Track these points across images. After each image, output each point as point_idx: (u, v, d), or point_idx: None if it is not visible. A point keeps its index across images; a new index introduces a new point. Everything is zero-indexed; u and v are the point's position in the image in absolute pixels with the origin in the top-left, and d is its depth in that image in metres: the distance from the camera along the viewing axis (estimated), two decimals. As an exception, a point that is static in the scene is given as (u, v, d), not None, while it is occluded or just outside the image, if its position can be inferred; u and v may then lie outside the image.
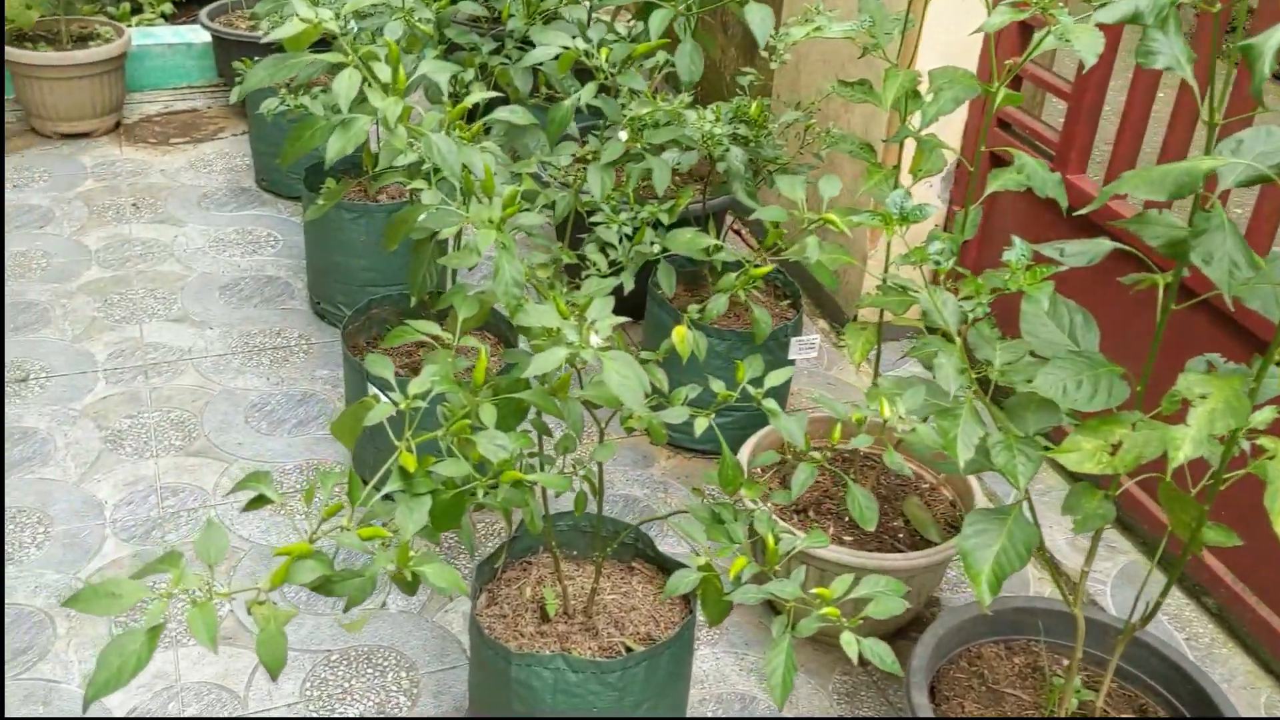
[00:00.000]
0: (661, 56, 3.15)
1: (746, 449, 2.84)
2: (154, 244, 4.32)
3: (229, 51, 5.23)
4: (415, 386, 1.44)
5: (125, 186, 4.71)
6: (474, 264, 1.72)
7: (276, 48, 4.73)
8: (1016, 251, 1.72)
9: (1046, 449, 1.82)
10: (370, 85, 1.50)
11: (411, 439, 1.41)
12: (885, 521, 2.77)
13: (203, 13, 5.29)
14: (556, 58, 1.81)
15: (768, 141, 2.98)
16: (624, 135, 1.95)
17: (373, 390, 2.96)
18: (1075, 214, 1.86)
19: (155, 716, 2.52)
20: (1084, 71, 2.00)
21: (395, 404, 1.42)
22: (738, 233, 4.35)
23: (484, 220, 1.57)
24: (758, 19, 1.83)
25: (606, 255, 2.08)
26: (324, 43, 3.32)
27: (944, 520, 2.80)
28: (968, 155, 3.47)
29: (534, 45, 2.57)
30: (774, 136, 3.01)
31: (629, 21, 2.87)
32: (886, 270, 2.55)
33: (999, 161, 3.52)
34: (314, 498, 1.46)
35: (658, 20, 1.80)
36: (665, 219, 2.90)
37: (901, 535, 2.73)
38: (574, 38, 1.79)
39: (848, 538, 2.70)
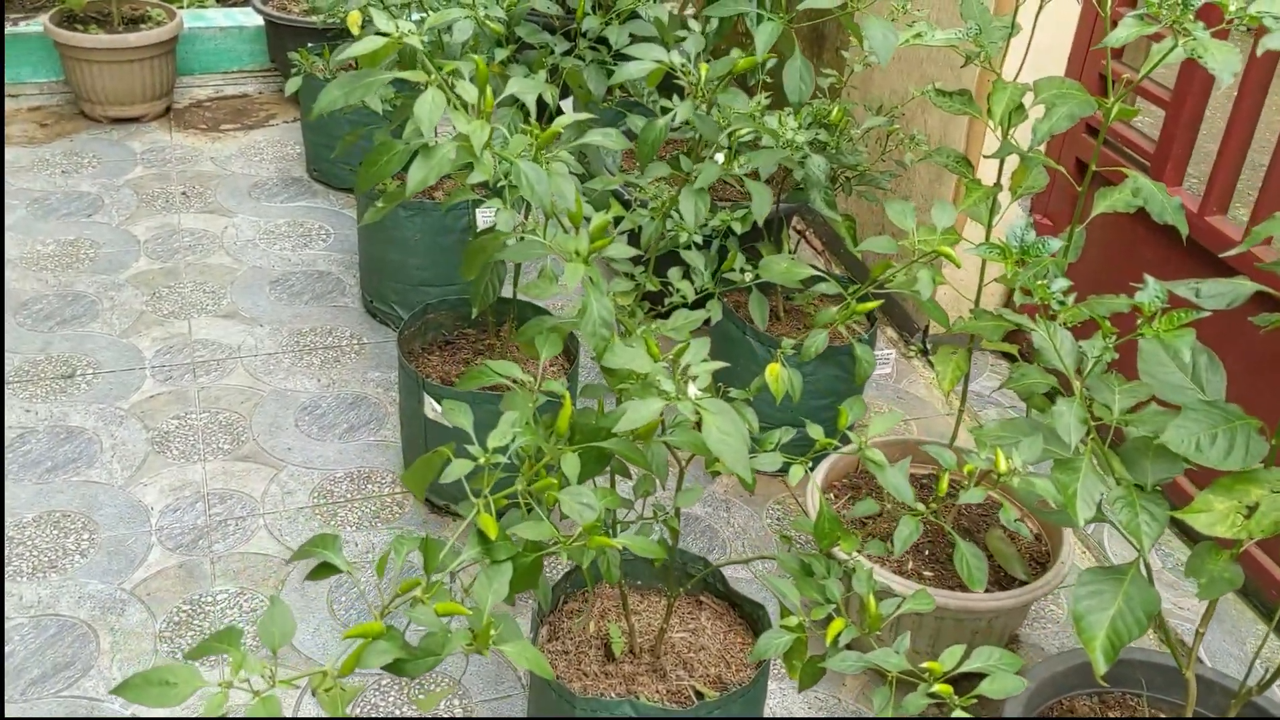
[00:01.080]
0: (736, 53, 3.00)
1: (820, 473, 2.69)
2: (203, 235, 4.23)
3: (281, 36, 5.12)
4: (496, 438, 1.31)
5: (175, 174, 4.62)
6: (552, 295, 1.59)
7: (332, 35, 4.59)
8: (1150, 293, 1.56)
9: (1172, 507, 1.66)
10: (454, 107, 1.36)
11: (490, 496, 1.28)
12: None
13: (256, -4, 5.19)
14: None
15: (848, 148, 2.82)
16: (720, 158, 1.81)
17: (429, 402, 2.85)
18: (1224, 256, 1.69)
19: (173, 716, 2.44)
20: (1219, 89, 1.84)
21: (474, 459, 1.29)
22: (801, 234, 4.19)
23: (571, 252, 1.43)
24: (879, 35, 1.68)
25: (692, 281, 1.94)
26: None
27: (1028, 554, 2.65)
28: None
29: (608, 43, 2.43)
30: (854, 143, 2.85)
31: (696, 13, 2.71)
32: (980, 294, 2.39)
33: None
34: (385, 567, 1.33)
35: (765, 35, 1.65)
36: (738, 227, 2.76)
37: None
38: (669, 51, 1.64)
39: (928, 573, 2.56)
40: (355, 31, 3.08)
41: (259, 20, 5.37)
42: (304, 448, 3.24)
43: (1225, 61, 1.73)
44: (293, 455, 3.21)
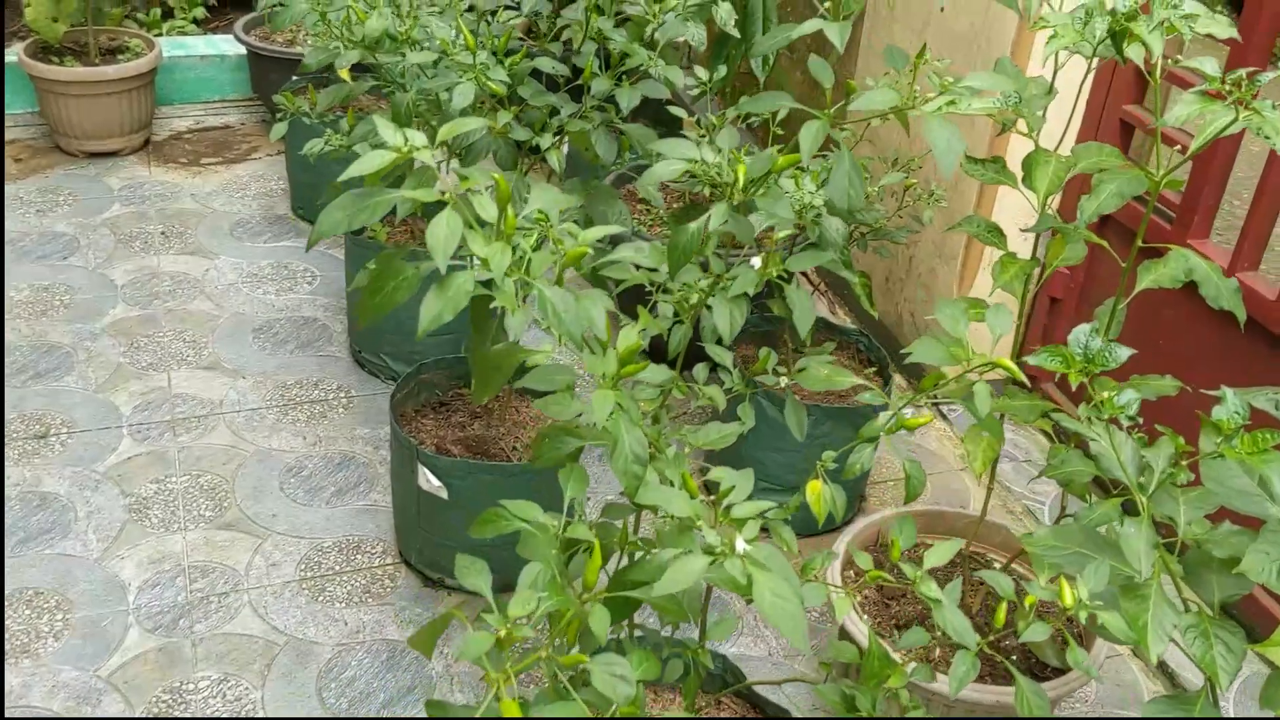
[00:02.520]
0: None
1: (840, 558, 2.54)
2: (184, 279, 4.05)
3: (264, 67, 4.96)
4: (518, 606, 1.16)
5: (154, 213, 4.45)
6: (573, 415, 1.43)
7: (322, 79, 4.40)
8: (1229, 408, 1.42)
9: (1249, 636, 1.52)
10: (471, 227, 1.20)
11: (512, 672, 1.13)
12: (997, 639, 2.47)
13: (237, 25, 5.02)
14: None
15: (865, 206, 2.69)
16: (757, 262, 1.66)
17: (423, 474, 2.69)
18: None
19: (158, 716, 2.34)
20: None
21: (492, 630, 1.13)
22: (814, 285, 4.04)
23: (599, 376, 1.28)
24: (943, 140, 1.53)
25: (721, 382, 1.79)
26: (363, 68, 3.03)
27: (1060, 639, 2.51)
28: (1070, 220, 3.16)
29: (617, 105, 2.28)
30: (870, 199, 2.72)
31: (691, 46, 2.53)
32: (1017, 351, 2.25)
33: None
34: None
35: (810, 136, 1.50)
36: (751, 291, 2.64)
37: (1015, 657, 2.44)
38: (698, 145, 1.49)
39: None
40: (346, 78, 2.93)
41: (241, 49, 5.21)
42: (290, 514, 3.08)
43: (1296, 143, 1.60)
44: (278, 523, 3.05)
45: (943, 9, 3.43)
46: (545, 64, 2.13)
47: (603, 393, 1.27)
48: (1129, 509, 1.92)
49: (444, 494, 2.68)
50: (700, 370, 1.82)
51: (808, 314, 1.78)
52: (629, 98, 2.05)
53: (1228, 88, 1.69)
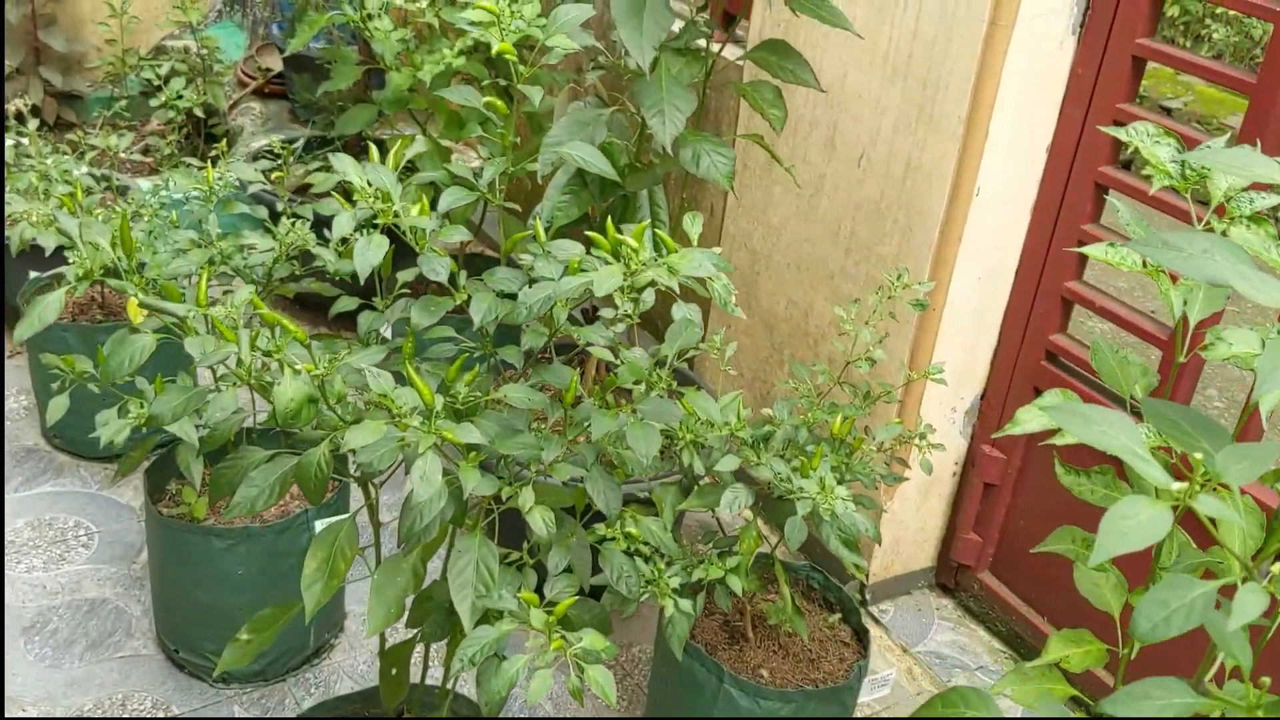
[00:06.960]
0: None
1: None
2: (-89, 563, 3.09)
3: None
4: None
5: None
6: None
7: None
8: None
9: None
10: None
11: None
12: None
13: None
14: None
15: (860, 464, 2.22)
16: None
17: None
18: None
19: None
20: None
21: None
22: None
23: None
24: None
25: None
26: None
27: None
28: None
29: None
30: (863, 456, 2.25)
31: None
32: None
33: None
34: None
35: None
36: (738, 583, 2.15)
37: None
38: None
39: None
40: (136, 320, 2.22)
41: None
42: None
43: None
44: None
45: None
46: (518, 396, 1.51)
47: None
48: None
49: None
50: None
51: None
52: (646, 439, 1.47)
53: None
